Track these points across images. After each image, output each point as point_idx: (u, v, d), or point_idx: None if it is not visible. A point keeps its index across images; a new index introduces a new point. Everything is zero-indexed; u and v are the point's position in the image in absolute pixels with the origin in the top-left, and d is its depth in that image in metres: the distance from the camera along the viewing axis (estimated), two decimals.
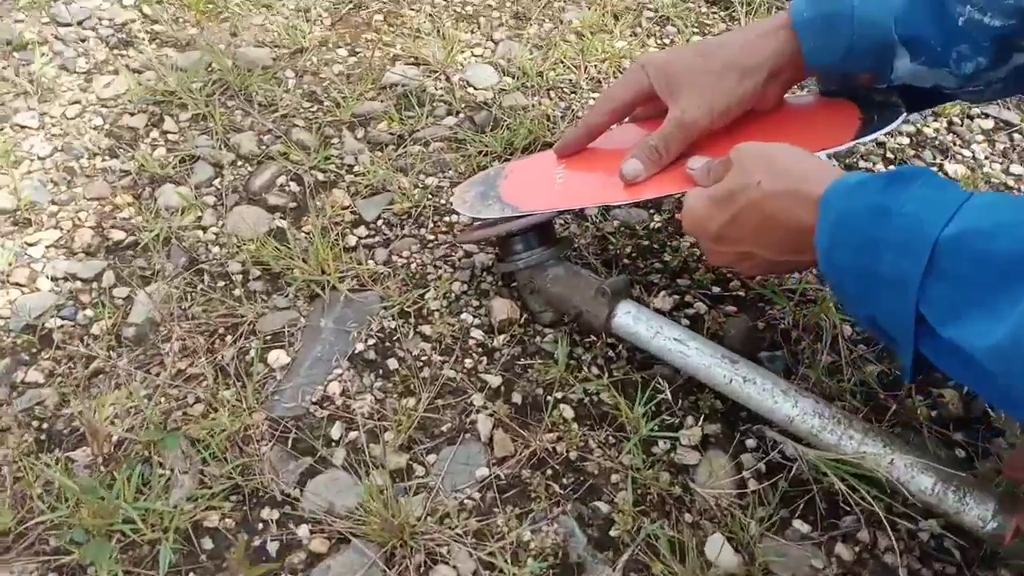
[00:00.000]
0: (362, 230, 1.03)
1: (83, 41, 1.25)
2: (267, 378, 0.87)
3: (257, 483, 0.78)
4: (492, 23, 1.34)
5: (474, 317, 0.94)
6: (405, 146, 1.12)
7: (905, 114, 0.83)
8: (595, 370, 0.90)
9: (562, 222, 1.04)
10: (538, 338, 0.92)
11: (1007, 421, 0.88)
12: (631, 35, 1.33)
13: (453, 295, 0.96)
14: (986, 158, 1.20)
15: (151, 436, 0.79)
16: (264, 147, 1.11)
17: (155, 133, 1.12)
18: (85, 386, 0.85)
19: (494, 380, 0.88)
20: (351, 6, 1.34)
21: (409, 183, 1.07)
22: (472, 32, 1.32)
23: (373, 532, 0.74)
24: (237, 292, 0.95)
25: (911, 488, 0.74)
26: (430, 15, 1.33)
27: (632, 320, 0.85)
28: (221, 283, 0.96)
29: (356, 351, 0.90)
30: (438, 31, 1.29)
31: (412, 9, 1.34)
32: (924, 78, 0.78)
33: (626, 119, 0.94)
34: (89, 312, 0.92)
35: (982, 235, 0.55)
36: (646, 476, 0.81)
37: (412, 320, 0.93)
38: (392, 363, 0.89)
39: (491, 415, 0.85)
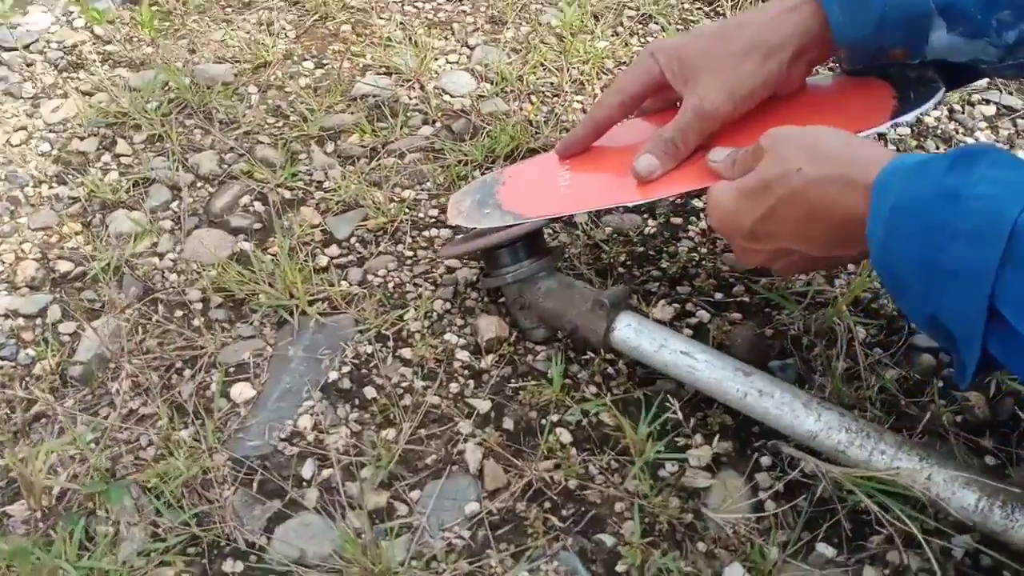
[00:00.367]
0: (333, 249, 0.95)
1: (29, 66, 1.18)
2: (230, 415, 0.79)
3: (218, 532, 0.70)
4: (466, 28, 1.27)
5: (459, 337, 0.86)
6: (379, 159, 1.05)
7: (944, 90, 0.76)
8: (593, 389, 0.82)
9: (551, 231, 0.97)
10: (530, 357, 0.85)
11: None
12: (612, 35, 1.27)
13: (435, 314, 0.88)
14: None
15: (94, 487, 0.70)
16: (226, 166, 1.04)
17: (107, 157, 1.05)
18: (24, 432, 0.77)
19: (483, 405, 0.81)
20: (317, 17, 1.27)
21: (384, 197, 0.99)
22: (446, 38, 1.25)
23: None
24: (196, 322, 0.87)
25: (952, 505, 0.66)
26: (401, 23, 1.26)
27: (633, 333, 0.77)
28: (178, 313, 0.88)
29: (329, 380, 0.82)
30: (410, 39, 1.23)
31: (381, 18, 1.28)
32: (961, 51, 0.72)
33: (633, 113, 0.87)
34: (31, 351, 0.84)
35: None
36: (654, 503, 0.73)
37: (391, 344, 0.86)
38: (369, 392, 0.81)
39: (480, 444, 0.77)
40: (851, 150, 0.62)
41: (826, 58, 0.81)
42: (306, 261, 0.92)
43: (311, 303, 0.88)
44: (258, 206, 0.99)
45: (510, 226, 0.82)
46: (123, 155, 1.05)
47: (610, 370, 0.84)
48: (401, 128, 1.09)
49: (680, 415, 0.76)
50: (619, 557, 0.70)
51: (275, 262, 0.91)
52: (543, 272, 0.84)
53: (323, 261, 0.93)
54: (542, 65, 1.20)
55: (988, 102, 1.19)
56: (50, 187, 1.01)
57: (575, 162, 0.87)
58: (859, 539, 0.72)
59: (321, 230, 0.97)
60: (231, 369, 0.83)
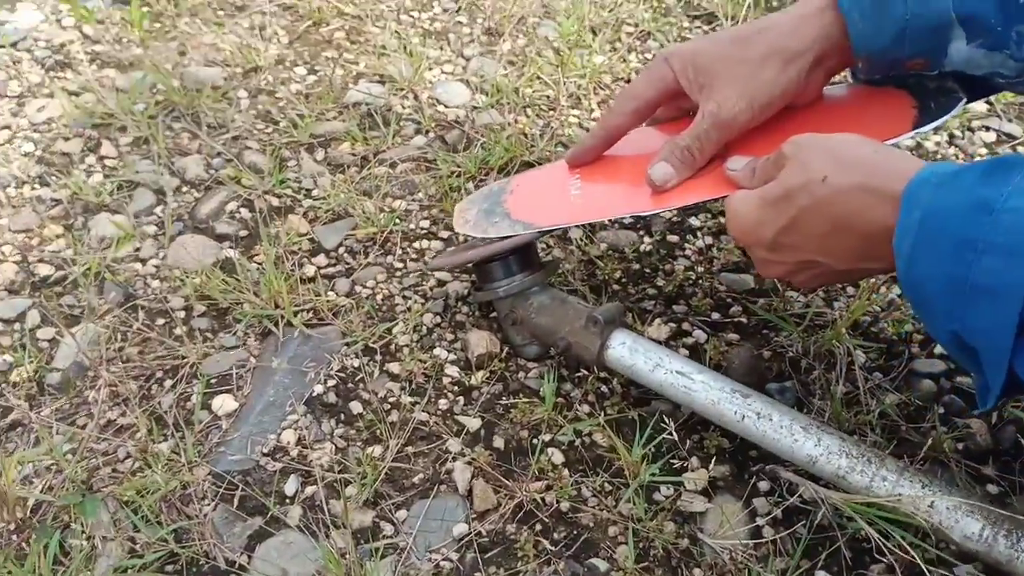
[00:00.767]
0: (321, 259, 0.93)
1: (16, 63, 1.15)
2: (211, 427, 0.77)
3: (197, 549, 0.68)
4: (462, 39, 1.25)
5: (449, 352, 0.84)
6: (370, 168, 1.03)
7: (964, 100, 0.74)
8: (586, 408, 0.80)
9: (544, 245, 0.95)
10: (521, 374, 0.83)
11: None
12: (610, 50, 1.25)
13: (424, 328, 0.86)
14: None
15: (69, 499, 0.67)
16: (213, 171, 1.01)
17: (91, 159, 1.02)
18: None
19: (472, 423, 0.78)
20: (310, 23, 1.25)
21: (374, 207, 0.97)
22: (441, 49, 1.23)
23: None
24: (178, 330, 0.84)
25: (955, 534, 0.64)
26: (396, 32, 1.25)
27: (628, 352, 0.75)
28: (160, 321, 0.85)
29: (314, 394, 0.80)
30: (404, 48, 1.21)
31: (376, 26, 1.26)
32: (979, 64, 0.70)
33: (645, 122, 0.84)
34: (8, 357, 0.81)
35: None
36: (648, 527, 0.71)
37: (378, 357, 0.83)
38: (355, 407, 0.79)
39: (470, 463, 0.75)
40: (879, 158, 0.60)
41: (845, 66, 0.79)
42: (293, 270, 0.90)
43: (297, 314, 0.85)
44: (245, 213, 0.97)
45: (503, 238, 0.80)
46: (108, 157, 1.02)
47: (604, 389, 0.82)
48: (393, 137, 1.07)
49: (676, 437, 0.74)
50: None
51: (261, 271, 0.89)
52: (536, 287, 0.82)
53: (310, 271, 0.91)
54: (538, 78, 1.18)
55: (988, 129, 1.18)
56: (32, 188, 0.98)
57: (586, 171, 0.85)
58: (859, 567, 0.70)
59: (309, 239, 0.94)
60: (213, 380, 0.80)
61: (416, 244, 0.95)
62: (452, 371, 0.82)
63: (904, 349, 0.87)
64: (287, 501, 0.72)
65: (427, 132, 1.09)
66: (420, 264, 0.93)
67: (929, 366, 0.86)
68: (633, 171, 0.79)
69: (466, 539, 0.70)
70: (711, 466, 0.76)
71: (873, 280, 0.92)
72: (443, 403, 0.80)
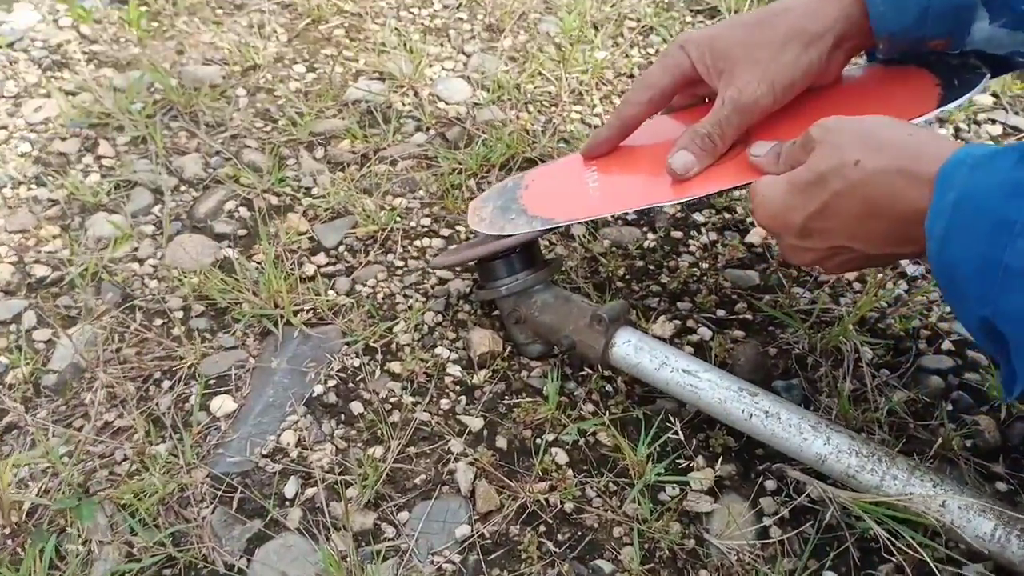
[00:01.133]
0: (321, 257, 0.91)
1: (13, 63, 1.14)
2: (209, 429, 0.75)
3: (195, 553, 0.67)
4: (463, 35, 1.24)
5: (451, 351, 0.83)
6: (370, 165, 1.02)
7: (988, 75, 0.73)
8: (590, 407, 0.79)
9: (546, 243, 0.93)
10: (524, 373, 0.81)
11: None
12: (612, 45, 1.24)
13: (426, 327, 0.85)
14: None
15: (66, 503, 0.66)
16: (211, 170, 1.00)
17: (88, 158, 1.01)
18: None
19: (475, 423, 0.77)
20: (309, 21, 1.24)
21: (374, 205, 0.96)
22: (441, 45, 1.22)
23: None
24: (176, 331, 0.83)
25: (967, 533, 0.63)
26: (395, 29, 1.23)
27: (633, 350, 0.74)
28: (158, 321, 0.84)
29: (314, 394, 0.79)
30: (404, 44, 1.20)
31: (376, 23, 1.25)
32: (1001, 44, 0.69)
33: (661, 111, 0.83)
34: (4, 359, 0.80)
35: None
36: (654, 528, 0.70)
37: (379, 357, 0.82)
38: (356, 407, 0.78)
39: (472, 463, 0.74)
40: (913, 141, 0.58)
41: (865, 47, 0.77)
42: (292, 269, 0.89)
43: (296, 313, 0.84)
44: (243, 212, 0.96)
45: (499, 237, 0.79)
46: (105, 157, 1.01)
47: (608, 388, 0.81)
48: (394, 135, 1.06)
49: (682, 436, 0.72)
50: None
51: (260, 270, 0.88)
52: (539, 285, 0.80)
53: (310, 270, 0.90)
54: (540, 74, 1.17)
55: (994, 122, 1.17)
56: (29, 188, 0.97)
57: (602, 163, 0.83)
58: (868, 567, 0.69)
59: (308, 238, 0.93)
60: (211, 381, 0.79)
61: (417, 242, 0.94)
62: (454, 370, 0.81)
63: (911, 345, 0.86)
64: (287, 503, 0.71)
65: (428, 129, 1.08)
66: (421, 262, 0.91)
67: (937, 362, 0.85)
68: (652, 161, 0.78)
69: (469, 541, 0.69)
70: (717, 465, 0.75)
71: (880, 275, 0.91)
72: (445, 403, 0.79)
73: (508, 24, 1.26)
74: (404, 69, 1.15)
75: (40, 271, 0.88)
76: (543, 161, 1.02)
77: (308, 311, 0.85)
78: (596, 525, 0.71)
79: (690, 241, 0.96)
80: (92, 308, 0.84)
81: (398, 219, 0.95)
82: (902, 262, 0.94)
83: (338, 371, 0.80)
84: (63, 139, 1.03)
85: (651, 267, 0.93)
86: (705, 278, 0.92)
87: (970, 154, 0.54)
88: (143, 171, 0.99)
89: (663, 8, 1.33)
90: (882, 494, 0.65)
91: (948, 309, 0.90)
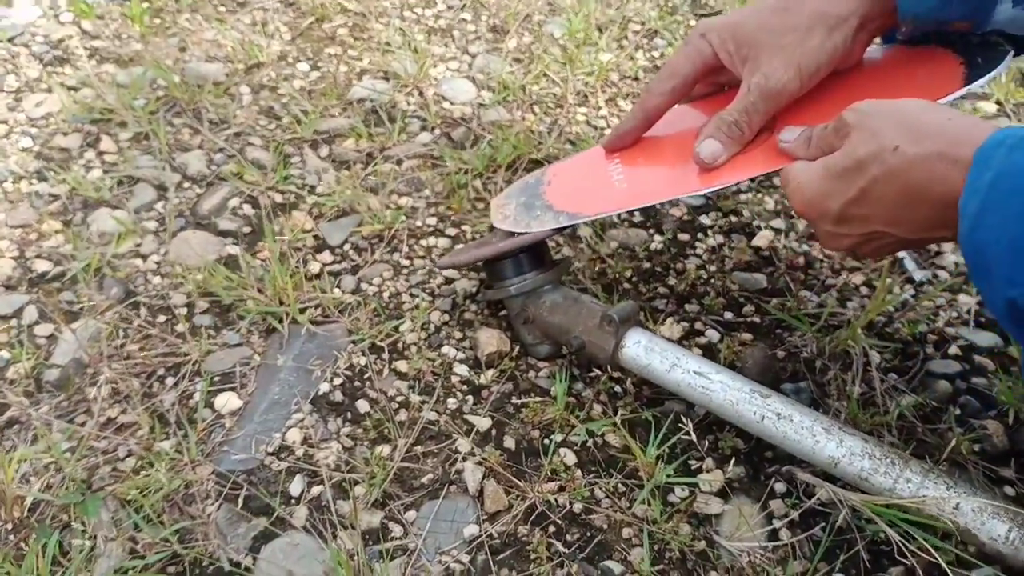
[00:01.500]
0: (326, 255, 0.91)
1: (14, 58, 1.13)
2: (214, 426, 0.74)
3: (200, 550, 0.66)
4: (467, 36, 1.24)
5: (457, 351, 0.82)
6: (375, 164, 1.01)
7: (1012, 52, 0.72)
8: (599, 408, 0.78)
9: (553, 244, 0.93)
10: (532, 373, 0.81)
11: None
12: (617, 47, 1.24)
13: (432, 326, 0.84)
14: None
15: (69, 498, 0.65)
16: (215, 167, 1.00)
17: (90, 154, 1.00)
18: None
19: (482, 423, 0.77)
20: (313, 19, 1.24)
21: (380, 203, 0.95)
22: (446, 45, 1.22)
23: None
24: (180, 327, 0.82)
25: (981, 536, 0.62)
26: (400, 28, 1.23)
27: (644, 351, 0.74)
28: (161, 318, 0.83)
29: (320, 392, 0.78)
30: (409, 44, 1.19)
31: (380, 23, 1.24)
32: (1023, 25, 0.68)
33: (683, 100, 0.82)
34: (5, 353, 0.79)
35: None
36: (663, 529, 0.70)
37: (386, 355, 0.81)
38: (363, 405, 0.77)
39: (480, 463, 0.73)
40: (952, 125, 0.57)
41: (887, 29, 0.76)
42: (297, 267, 0.88)
43: (302, 311, 0.83)
44: (248, 209, 0.95)
45: (525, 234, 0.78)
46: (107, 152, 1.00)
47: (617, 389, 0.80)
48: (399, 134, 1.06)
49: (693, 437, 0.72)
50: None
51: (265, 267, 0.87)
52: (548, 285, 0.80)
53: (315, 268, 0.89)
54: (545, 75, 1.17)
55: (1002, 115, 1.17)
56: (30, 183, 0.96)
57: (626, 156, 0.82)
58: (878, 570, 0.69)
59: (313, 235, 0.93)
60: (216, 378, 0.78)
61: (423, 241, 0.93)
62: (461, 370, 0.81)
63: (919, 350, 0.86)
64: (293, 501, 0.70)
65: (433, 129, 1.07)
66: (427, 262, 0.91)
67: (944, 367, 0.85)
68: (677, 151, 0.77)
69: (477, 541, 0.68)
70: (728, 467, 0.74)
71: (888, 280, 0.91)
72: (452, 402, 0.78)
73: (512, 25, 1.25)
74: (409, 69, 1.14)
75: (42, 266, 0.87)
76: (549, 162, 1.02)
77: (314, 309, 0.84)
78: (605, 526, 0.70)
79: (697, 244, 0.96)
80: (95, 304, 0.83)
81: (404, 218, 0.95)
82: (908, 268, 0.94)
83: (344, 369, 0.80)
84: (65, 134, 1.02)
85: (658, 269, 0.93)
86: (712, 281, 0.92)
87: (1010, 135, 0.53)
88: (146, 167, 0.98)
89: (667, 12, 1.34)
90: (895, 497, 0.65)
91: (955, 314, 0.90)
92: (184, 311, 0.84)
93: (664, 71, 0.78)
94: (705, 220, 0.99)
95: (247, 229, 0.93)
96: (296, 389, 0.78)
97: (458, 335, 0.84)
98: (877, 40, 0.79)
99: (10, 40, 1.15)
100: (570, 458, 0.74)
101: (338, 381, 0.79)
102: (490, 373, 0.80)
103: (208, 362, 0.79)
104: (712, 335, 0.86)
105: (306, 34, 1.22)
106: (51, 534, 0.65)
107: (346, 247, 0.92)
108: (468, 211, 0.96)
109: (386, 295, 0.87)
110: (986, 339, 0.88)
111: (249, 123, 1.05)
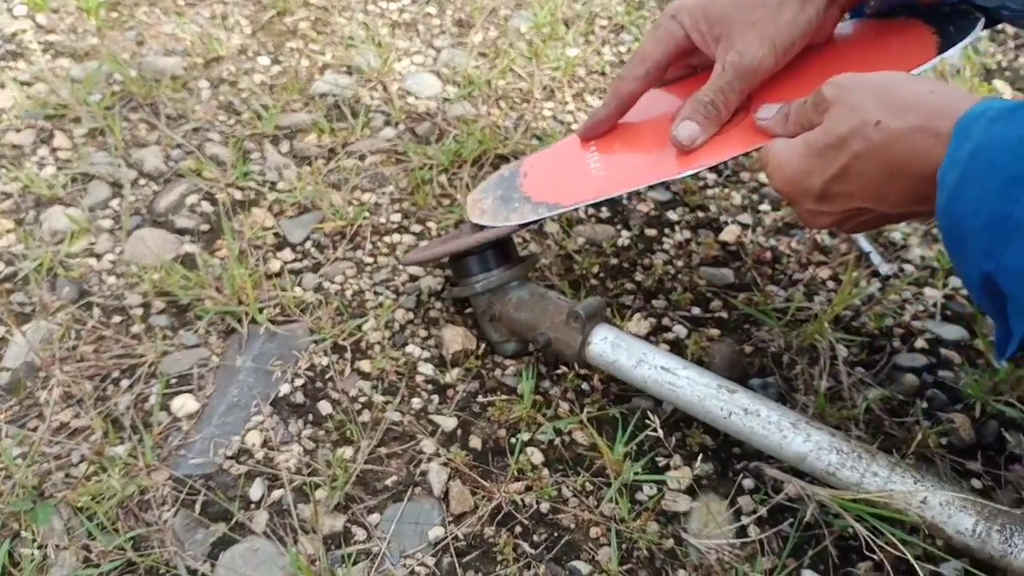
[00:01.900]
0: (287, 253, 0.89)
1: None
2: (170, 429, 0.72)
3: (157, 558, 0.64)
4: (432, 30, 1.22)
5: (422, 349, 0.81)
6: (337, 160, 0.99)
7: (983, 19, 0.72)
8: (566, 406, 0.77)
9: (519, 240, 0.92)
10: (498, 371, 0.80)
11: None
12: (584, 42, 1.23)
13: (396, 325, 0.83)
14: None
15: (19, 505, 0.63)
16: (172, 163, 0.97)
17: (44, 150, 0.97)
18: None
19: (448, 422, 0.75)
20: (274, 13, 1.21)
21: (342, 200, 0.94)
22: (410, 39, 1.20)
23: None
24: (135, 328, 0.80)
25: (948, 529, 0.62)
26: (363, 22, 1.21)
27: (610, 348, 0.73)
28: (116, 318, 0.81)
29: (280, 394, 0.76)
30: (372, 38, 1.17)
31: (343, 16, 1.22)
32: None
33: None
34: None
35: None
36: (631, 528, 0.69)
37: (348, 355, 0.80)
38: (324, 407, 0.75)
39: (445, 464, 0.72)
40: (934, 97, 0.56)
41: (856, 3, 0.76)
42: (257, 265, 0.86)
43: (261, 310, 0.81)
44: (206, 206, 0.93)
45: (516, 227, 0.77)
46: (61, 149, 0.98)
47: (584, 386, 0.79)
48: (362, 129, 1.04)
49: (661, 433, 0.71)
50: None
51: (223, 266, 0.85)
52: (515, 282, 0.79)
53: (275, 266, 0.87)
54: (511, 70, 1.15)
55: None
56: None
57: (602, 143, 0.80)
58: (846, 565, 0.68)
59: (274, 233, 0.91)
60: (173, 380, 0.76)
61: (387, 238, 0.91)
62: (426, 369, 0.79)
63: (886, 343, 0.86)
64: (252, 506, 0.68)
65: (397, 124, 1.06)
66: (391, 259, 0.89)
67: (911, 360, 0.85)
68: (653, 136, 0.76)
69: (442, 543, 0.67)
70: (694, 464, 0.74)
71: (854, 274, 0.91)
72: (417, 402, 0.77)
73: (478, 19, 1.24)
74: (372, 63, 1.12)
75: None
76: (516, 158, 1.01)
77: (274, 308, 0.82)
78: (573, 526, 0.69)
79: (664, 239, 0.95)
80: (47, 304, 0.80)
81: (367, 215, 0.93)
82: (874, 262, 0.94)
83: (305, 370, 0.78)
84: (17, 130, 0.99)
85: (625, 265, 0.92)
86: (680, 276, 0.91)
87: (991, 107, 0.53)
88: (101, 164, 0.96)
89: (634, 7, 1.33)
90: (862, 491, 0.64)
91: (922, 308, 0.91)
92: (140, 311, 0.82)
93: (636, 56, 0.77)
94: (672, 215, 0.98)
95: (205, 227, 0.91)
96: (256, 391, 0.76)
97: (423, 333, 0.82)
98: (845, 16, 0.79)
99: None
100: (537, 457, 0.73)
101: (299, 382, 0.77)
102: (456, 372, 0.79)
103: (164, 364, 0.77)
104: (679, 331, 0.85)
105: (267, 28, 1.20)
106: (1, 543, 0.62)
107: (307, 244, 0.90)
108: (433, 207, 0.95)
109: (349, 293, 0.85)
110: (952, 332, 0.88)
111: (208, 118, 1.03)
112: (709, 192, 1.02)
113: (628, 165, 0.77)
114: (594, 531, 0.69)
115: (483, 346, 0.81)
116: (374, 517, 0.68)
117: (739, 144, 0.71)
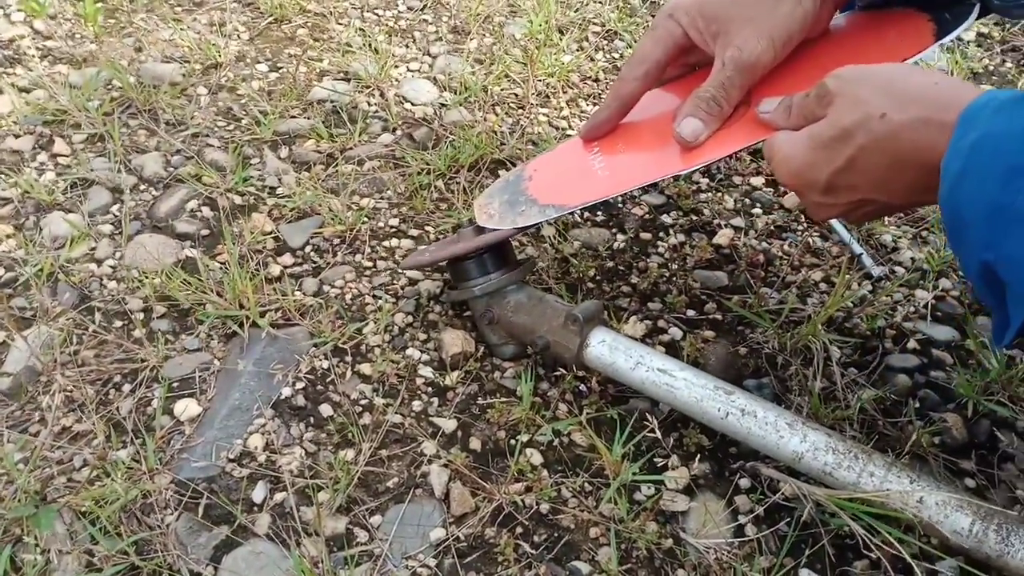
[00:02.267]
0: (287, 258, 0.89)
1: None
2: (173, 433, 0.73)
3: (160, 561, 0.64)
4: (428, 37, 1.23)
5: (422, 352, 0.81)
6: (336, 165, 1.00)
7: (978, 5, 0.72)
8: (564, 408, 0.78)
9: (516, 244, 0.93)
10: (497, 374, 0.80)
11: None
12: (578, 49, 1.24)
13: (396, 328, 0.83)
14: None
15: (21, 511, 0.63)
16: (172, 169, 0.98)
17: (43, 156, 0.98)
18: None
19: (448, 424, 0.76)
20: (272, 19, 1.22)
21: (341, 205, 0.94)
22: (407, 46, 1.21)
23: None
24: (137, 333, 0.80)
25: (944, 529, 0.63)
26: (360, 29, 1.22)
27: (608, 350, 0.73)
28: (117, 323, 0.81)
29: (282, 397, 0.76)
30: (370, 45, 1.18)
31: (340, 23, 1.23)
32: None
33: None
34: None
35: None
36: (631, 528, 0.69)
37: (348, 358, 0.80)
38: (325, 409, 0.76)
39: (446, 465, 0.72)
40: (939, 89, 0.57)
41: None
42: (257, 270, 0.86)
43: (262, 314, 0.82)
44: (206, 211, 0.93)
45: (517, 230, 0.78)
46: (61, 155, 0.98)
47: (582, 388, 0.80)
48: (360, 135, 1.04)
49: (659, 434, 0.72)
50: None
51: (224, 270, 0.86)
52: (513, 285, 0.79)
53: (276, 270, 0.88)
54: (506, 76, 1.16)
55: None
56: None
57: (605, 144, 0.81)
58: (843, 564, 0.69)
59: (274, 237, 0.91)
60: (175, 384, 0.77)
61: (385, 242, 0.92)
62: (426, 372, 0.80)
63: (878, 344, 0.87)
64: (255, 509, 0.69)
65: (394, 130, 1.06)
66: (390, 263, 0.90)
67: (903, 361, 0.86)
68: (656, 135, 0.77)
69: (444, 544, 0.67)
70: (693, 464, 0.75)
71: (846, 276, 0.92)
72: (417, 404, 0.77)
73: (473, 26, 1.25)
74: (369, 69, 1.13)
75: None
76: (512, 162, 1.02)
77: (275, 312, 0.83)
78: (573, 526, 0.70)
79: (659, 242, 0.96)
80: (48, 309, 0.81)
81: (366, 219, 0.94)
82: (866, 264, 0.96)
83: (306, 373, 0.78)
84: (16, 136, 0.99)
85: (621, 268, 0.93)
86: (675, 279, 0.92)
87: (995, 97, 0.53)
88: (101, 169, 0.96)
89: (626, 13, 1.34)
90: (859, 491, 0.65)
91: (913, 309, 0.92)
92: (141, 316, 0.82)
93: (635, 56, 0.77)
94: (666, 219, 0.99)
95: (205, 232, 0.91)
96: (257, 394, 0.76)
97: (422, 337, 0.83)
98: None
99: None
100: (536, 458, 0.74)
101: (300, 385, 0.77)
102: (455, 374, 0.80)
103: (166, 368, 0.78)
104: (675, 333, 0.86)
105: (265, 34, 1.20)
106: (3, 549, 0.63)
107: (307, 249, 0.91)
108: (431, 212, 0.96)
109: (348, 297, 0.86)
110: (943, 333, 0.89)
111: (207, 124, 1.04)
112: (702, 196, 1.03)
113: (633, 164, 0.78)
114: (594, 531, 0.70)
115: (482, 349, 0.82)
116: (376, 519, 0.69)
117: (742, 138, 0.72)
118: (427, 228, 0.94)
